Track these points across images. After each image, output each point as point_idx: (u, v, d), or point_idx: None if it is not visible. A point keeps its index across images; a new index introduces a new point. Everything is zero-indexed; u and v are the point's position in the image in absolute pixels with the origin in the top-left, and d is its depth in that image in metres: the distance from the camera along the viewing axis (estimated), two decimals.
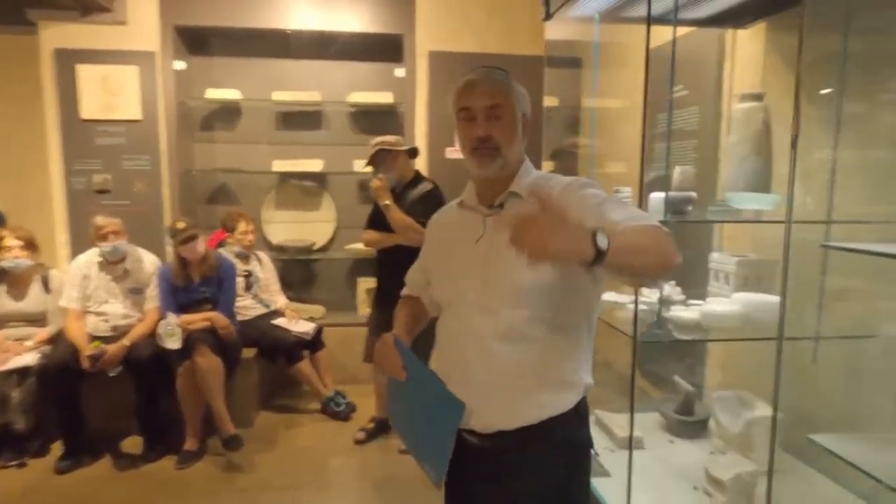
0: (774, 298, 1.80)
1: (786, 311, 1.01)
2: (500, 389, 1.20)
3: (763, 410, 1.92)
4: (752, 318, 1.73)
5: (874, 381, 1.75)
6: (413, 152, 3.09)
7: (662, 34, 2.58)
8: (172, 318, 3.01)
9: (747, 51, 2.29)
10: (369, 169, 3.12)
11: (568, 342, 1.21)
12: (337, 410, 3.50)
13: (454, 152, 4.00)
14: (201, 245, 3.13)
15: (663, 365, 2.56)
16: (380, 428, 3.36)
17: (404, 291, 1.57)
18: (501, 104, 1.21)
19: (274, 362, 3.55)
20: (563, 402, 1.22)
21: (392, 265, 3.01)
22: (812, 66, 2.03)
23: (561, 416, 1.21)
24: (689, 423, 2.19)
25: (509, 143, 1.22)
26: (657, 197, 1.86)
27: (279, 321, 3.60)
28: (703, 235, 2.45)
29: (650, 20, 1.47)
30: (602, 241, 0.91)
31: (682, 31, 2.56)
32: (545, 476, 1.21)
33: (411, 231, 2.91)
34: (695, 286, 2.22)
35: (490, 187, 1.28)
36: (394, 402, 1.42)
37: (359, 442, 3.24)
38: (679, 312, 1.98)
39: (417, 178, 3.06)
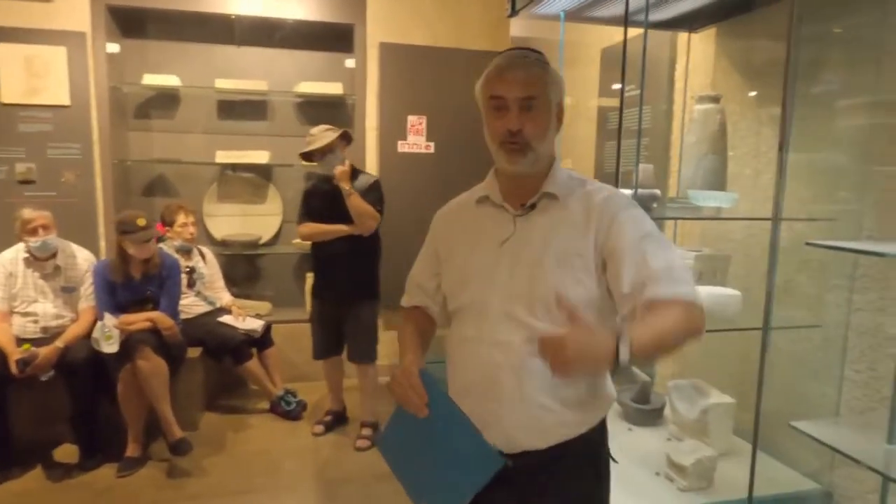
0: (731, 291, 1.89)
1: (771, 304, 1.06)
2: (533, 406, 1.11)
3: (717, 398, 2.02)
4: (712, 311, 1.81)
5: (818, 368, 1.88)
6: (345, 136, 3.03)
7: (618, 34, 2.65)
8: (109, 320, 2.82)
9: (699, 53, 2.39)
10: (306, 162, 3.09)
11: None
12: (288, 410, 3.41)
13: (406, 146, 3.96)
14: (154, 245, 2.96)
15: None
16: (336, 420, 3.31)
17: (405, 301, 1.38)
18: (536, 95, 1.10)
19: (220, 361, 3.42)
20: (593, 418, 1.18)
21: (332, 258, 2.97)
22: (762, 70, 2.15)
23: (590, 432, 1.16)
24: (646, 411, 2.27)
25: (542, 137, 1.12)
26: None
27: (225, 319, 3.46)
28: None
29: (627, 20, 1.50)
30: (624, 356, 0.91)
31: (636, 32, 2.64)
32: (573, 495, 1.16)
33: (370, 219, 2.90)
34: None
35: (518, 184, 1.17)
36: (395, 431, 1.23)
37: (317, 435, 3.19)
38: None
39: (354, 168, 3.03)
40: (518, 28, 2.40)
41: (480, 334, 1.14)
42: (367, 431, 3.15)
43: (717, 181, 1.90)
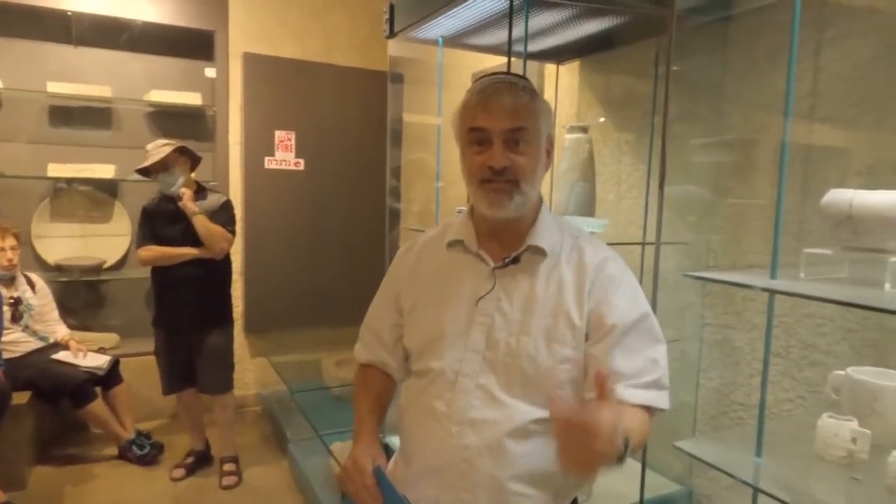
0: None
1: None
2: (509, 495, 0.97)
3: None
4: None
5: (678, 378, 2.05)
6: (182, 149, 2.81)
7: (489, 59, 2.73)
8: None
9: (564, 84, 2.54)
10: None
11: None
12: (141, 454, 3.05)
13: (274, 162, 3.77)
14: None
15: None
16: (199, 461, 3.02)
17: (360, 354, 1.19)
18: (526, 128, 0.96)
19: (56, 405, 2.98)
20: (566, 499, 1.05)
21: (178, 283, 2.74)
22: (621, 102, 2.33)
23: None
24: None
25: (531, 177, 0.98)
26: None
27: (61, 355, 3.02)
28: None
29: (511, 50, 1.54)
30: (627, 456, 0.80)
31: (503, 60, 2.75)
32: None
33: (222, 241, 2.72)
34: None
35: (499, 231, 1.02)
36: None
37: (177, 479, 2.89)
38: None
39: (200, 186, 2.85)
40: (393, 49, 2.38)
41: (450, 410, 0.99)
42: (230, 467, 2.92)
43: (588, 207, 2.01)
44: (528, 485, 0.98)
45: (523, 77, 1.03)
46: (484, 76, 1.02)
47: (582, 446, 0.73)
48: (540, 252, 1.02)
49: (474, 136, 0.98)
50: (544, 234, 1.02)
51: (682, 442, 1.28)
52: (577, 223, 1.89)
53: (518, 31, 1.88)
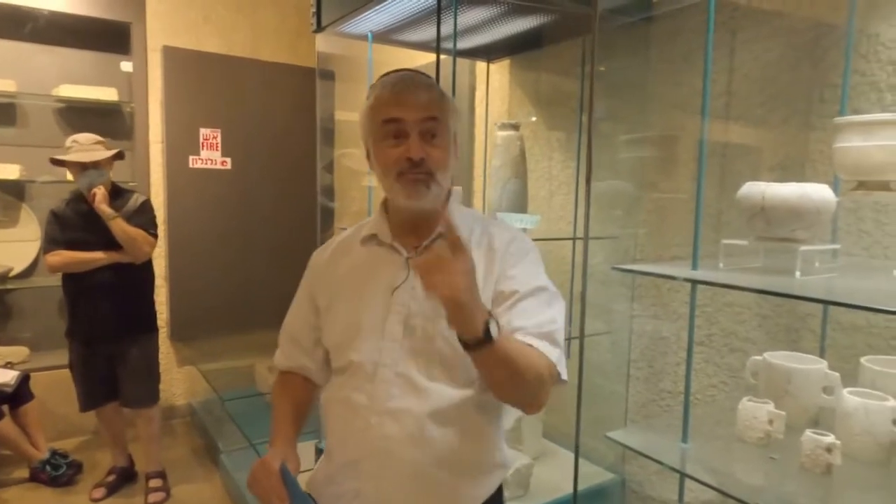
0: None
1: (584, 315, 1.14)
2: (429, 482, 0.98)
3: None
4: None
5: (609, 369, 2.11)
6: (120, 155, 2.68)
7: (419, 57, 2.72)
8: None
9: (495, 82, 2.56)
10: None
11: (494, 419, 1.05)
12: (56, 475, 2.84)
13: (200, 161, 3.60)
14: None
15: None
16: (122, 478, 2.85)
17: (278, 361, 1.19)
18: (438, 118, 0.99)
19: None
20: (491, 486, 1.07)
21: (93, 290, 2.57)
22: (551, 100, 2.37)
23: (488, 501, 1.06)
24: None
25: (445, 168, 1.01)
26: None
27: None
28: None
29: (439, 47, 1.52)
30: (494, 330, 0.84)
31: (432, 57, 2.75)
32: None
33: (144, 244, 2.57)
34: None
35: (412, 222, 1.05)
36: None
37: (98, 500, 2.72)
38: None
39: (116, 187, 2.68)
40: (322, 44, 2.33)
41: (371, 401, 0.99)
42: (156, 483, 2.78)
43: (520, 203, 2.03)
44: (450, 471, 0.99)
45: (426, 74, 1.06)
46: (390, 73, 1.05)
47: (440, 269, 0.81)
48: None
49: (390, 129, 1.00)
50: (454, 220, 1.05)
51: (613, 432, 1.31)
52: (510, 219, 1.91)
53: (447, 27, 1.87)
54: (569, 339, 2.08)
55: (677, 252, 1.86)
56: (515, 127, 2.06)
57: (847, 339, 1.43)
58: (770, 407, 1.22)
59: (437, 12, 1.43)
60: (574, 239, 2.02)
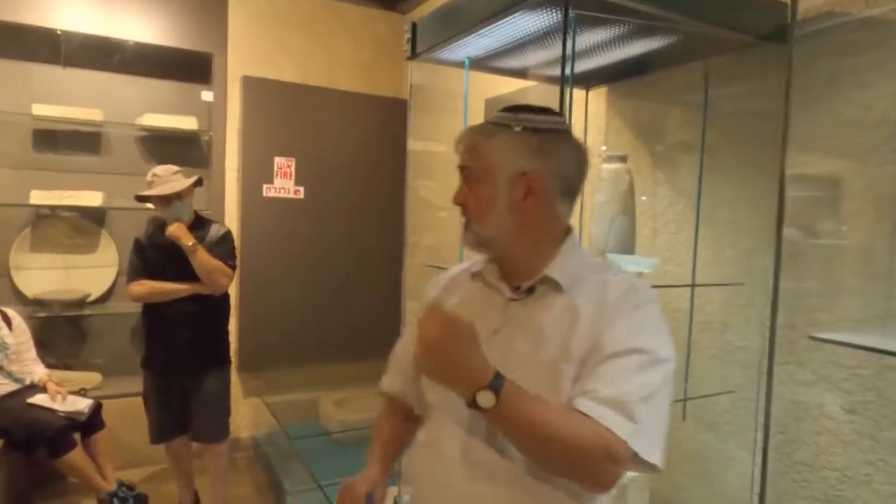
0: None
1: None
2: None
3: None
4: None
5: (730, 431, 1.86)
6: (199, 182, 2.65)
7: (503, 85, 2.59)
8: None
9: (592, 110, 2.39)
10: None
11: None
12: None
13: (273, 190, 3.58)
14: None
15: None
16: None
17: (384, 384, 1.19)
18: (470, 165, 0.99)
19: (31, 455, 2.70)
20: None
21: (172, 321, 2.51)
22: (653, 131, 2.18)
23: None
24: None
25: (482, 216, 0.98)
26: None
27: (38, 399, 2.77)
28: None
29: (564, 80, 1.37)
30: (484, 402, 0.81)
31: (522, 84, 2.61)
32: None
33: (222, 276, 2.51)
34: None
35: (511, 262, 1.01)
36: None
37: None
38: None
39: (198, 216, 2.64)
40: (416, 72, 2.23)
41: (455, 450, 0.95)
42: None
43: (628, 243, 1.84)
44: None
45: (517, 109, 1.00)
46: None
47: (425, 331, 0.86)
48: (555, 285, 0.96)
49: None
50: (562, 267, 0.97)
51: None
52: (621, 262, 1.72)
53: (554, 52, 1.73)
54: (683, 401, 1.86)
55: (815, 304, 1.61)
56: (623, 159, 1.89)
57: None
58: None
59: (564, 32, 1.28)
60: (693, 286, 1.81)
